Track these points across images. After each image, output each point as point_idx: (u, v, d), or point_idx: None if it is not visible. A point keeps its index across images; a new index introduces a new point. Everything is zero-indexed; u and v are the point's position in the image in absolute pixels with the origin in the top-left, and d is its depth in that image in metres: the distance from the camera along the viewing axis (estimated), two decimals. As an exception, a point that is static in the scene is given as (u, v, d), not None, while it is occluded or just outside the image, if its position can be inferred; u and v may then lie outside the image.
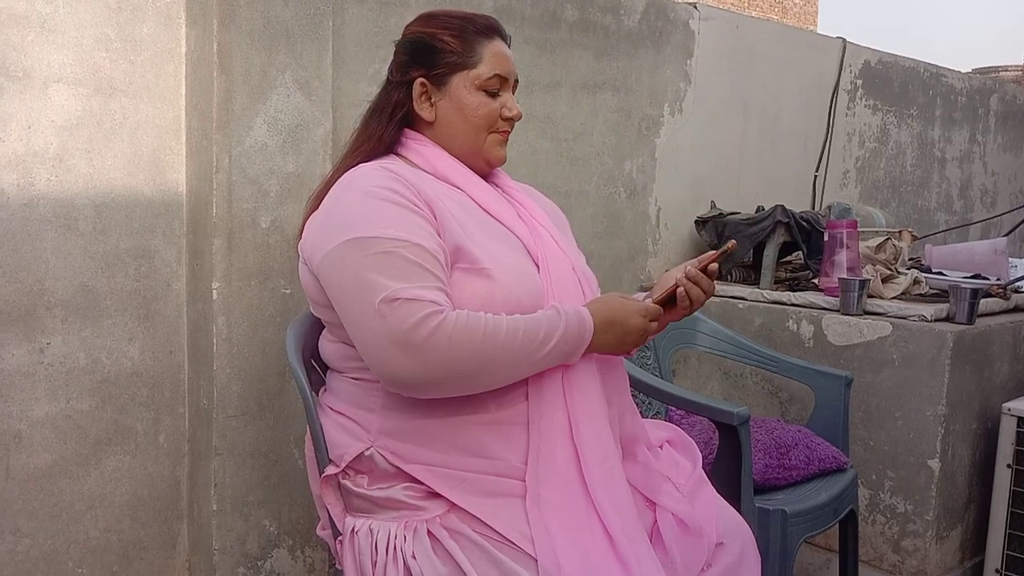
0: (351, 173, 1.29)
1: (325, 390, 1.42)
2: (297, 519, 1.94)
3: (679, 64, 2.77)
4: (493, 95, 1.34)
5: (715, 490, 1.46)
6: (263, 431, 1.87)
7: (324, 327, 1.39)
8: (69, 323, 1.77)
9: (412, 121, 1.37)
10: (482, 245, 1.25)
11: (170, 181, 1.87)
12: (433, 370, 1.15)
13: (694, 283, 1.33)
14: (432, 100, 1.35)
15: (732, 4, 17.80)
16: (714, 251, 1.36)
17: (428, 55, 1.34)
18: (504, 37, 1.37)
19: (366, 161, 1.33)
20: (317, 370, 1.50)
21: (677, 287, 1.33)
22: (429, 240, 1.20)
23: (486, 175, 1.42)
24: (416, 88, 1.34)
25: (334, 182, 1.31)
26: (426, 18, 1.38)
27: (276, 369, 1.87)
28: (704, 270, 1.34)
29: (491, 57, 1.33)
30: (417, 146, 1.36)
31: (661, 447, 1.47)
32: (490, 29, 1.35)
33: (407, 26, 1.40)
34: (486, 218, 1.33)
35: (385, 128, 1.35)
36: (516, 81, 1.39)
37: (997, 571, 2.20)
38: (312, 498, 1.41)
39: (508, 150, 2.33)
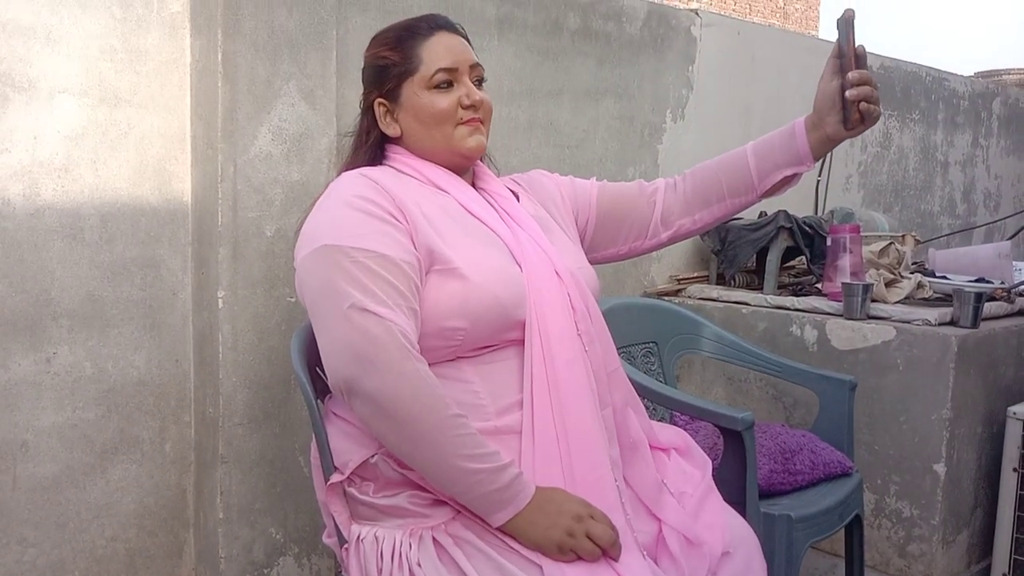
0: (333, 183, 1.33)
1: (330, 397, 1.42)
2: (303, 527, 1.94)
3: (681, 70, 2.78)
4: (447, 89, 1.34)
5: (722, 498, 1.45)
6: (269, 439, 1.88)
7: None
8: (75, 333, 1.78)
9: (390, 139, 1.40)
10: (456, 246, 1.25)
11: (175, 190, 1.88)
12: (377, 387, 1.14)
13: (862, 84, 1.31)
14: (394, 115, 1.37)
15: (734, 10, 17.84)
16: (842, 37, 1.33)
17: (378, 75, 1.37)
18: (449, 28, 1.37)
19: None
20: (322, 378, 1.50)
21: (856, 103, 1.32)
22: (400, 251, 1.21)
23: (474, 179, 1.42)
24: (377, 110, 1.37)
25: None
26: (372, 41, 1.41)
27: (282, 377, 1.87)
28: (856, 60, 1.32)
29: (431, 54, 1.33)
30: (402, 158, 1.38)
31: (668, 453, 1.47)
32: (430, 28, 1.35)
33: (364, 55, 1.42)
34: (470, 220, 1.33)
35: (362, 153, 1.38)
36: (475, 66, 1.37)
37: (1004, 575, 2.20)
38: (318, 506, 1.42)
39: (511, 157, 2.35)
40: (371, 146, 1.39)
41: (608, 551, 1.16)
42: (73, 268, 1.77)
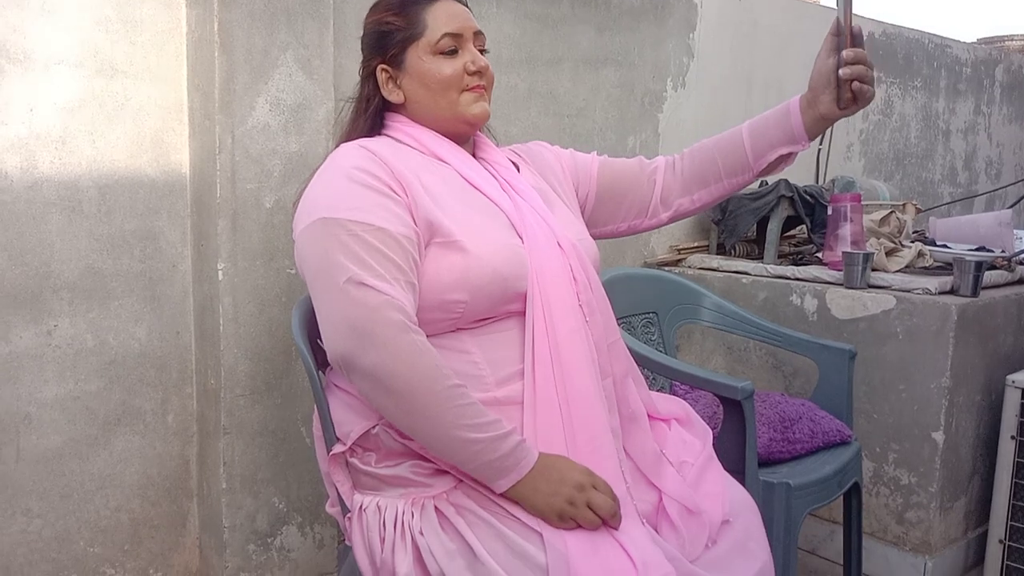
0: (331, 154, 1.32)
1: (331, 368, 1.42)
2: (306, 496, 1.96)
3: (682, 38, 2.76)
4: (451, 55, 1.33)
5: (722, 466, 1.46)
6: (271, 410, 1.88)
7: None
8: (76, 305, 1.78)
9: (391, 107, 1.39)
10: (457, 218, 1.25)
11: (173, 162, 1.87)
12: (375, 361, 1.15)
13: (856, 63, 1.31)
14: (397, 82, 1.36)
15: (735, -24, 17.60)
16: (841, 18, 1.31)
17: (380, 41, 1.35)
18: None
19: None
20: (323, 349, 1.50)
21: (849, 82, 1.31)
22: (398, 224, 1.20)
23: (474, 148, 1.42)
24: (380, 76, 1.36)
25: None
26: (372, 7, 1.39)
27: (283, 348, 1.88)
28: (852, 38, 1.30)
29: (435, 20, 1.32)
30: (402, 126, 1.37)
31: (669, 423, 1.47)
32: None
33: (363, 23, 1.41)
34: (470, 190, 1.32)
35: (363, 121, 1.37)
36: (479, 34, 1.36)
37: (1001, 541, 2.22)
38: (320, 475, 1.43)
39: (511, 127, 2.34)
40: (372, 113, 1.37)
41: (608, 521, 1.17)
42: (72, 241, 1.77)
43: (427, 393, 1.15)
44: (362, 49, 1.40)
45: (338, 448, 1.32)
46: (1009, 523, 2.21)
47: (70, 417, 1.80)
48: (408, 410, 1.17)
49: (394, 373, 1.15)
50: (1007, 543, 2.21)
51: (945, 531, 2.19)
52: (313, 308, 1.48)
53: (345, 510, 1.34)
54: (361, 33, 1.41)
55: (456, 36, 1.33)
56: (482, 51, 1.37)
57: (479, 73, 1.34)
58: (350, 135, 1.37)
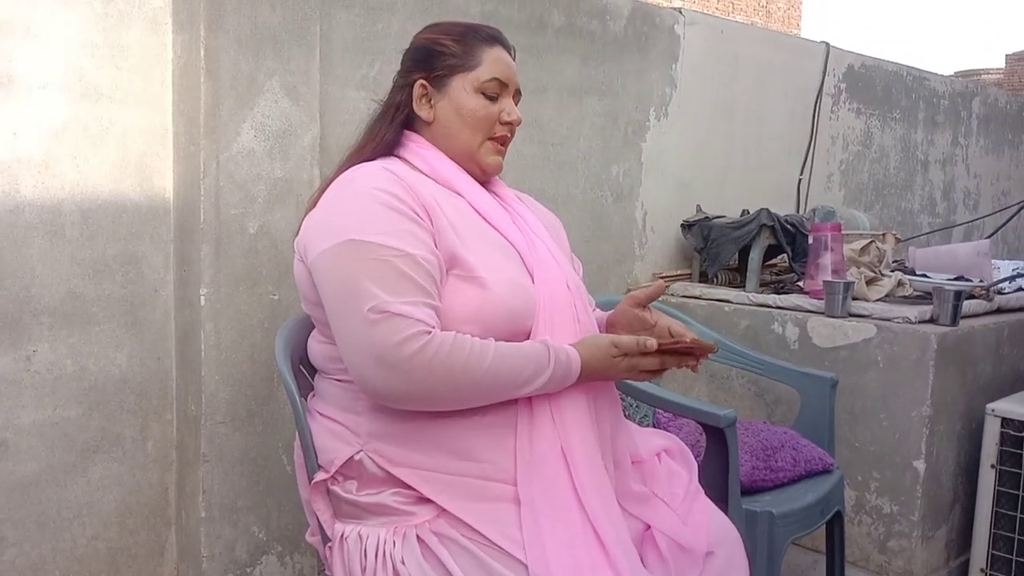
0: (353, 171, 1.31)
1: (313, 395, 1.42)
2: (286, 525, 1.94)
3: (664, 69, 2.79)
4: (492, 99, 1.37)
5: (707, 497, 1.46)
6: (251, 437, 1.87)
7: (312, 331, 1.40)
8: (56, 330, 1.76)
9: (413, 124, 1.40)
10: (477, 253, 1.26)
11: (157, 187, 1.87)
12: (408, 389, 1.17)
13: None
14: (432, 101, 1.37)
15: (716, 8, 17.90)
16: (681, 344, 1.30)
17: (429, 58, 1.37)
18: (507, 47, 1.40)
19: (368, 161, 1.34)
20: (305, 375, 1.50)
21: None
22: (423, 250, 1.21)
23: (484, 183, 1.43)
24: (416, 90, 1.37)
25: (334, 181, 1.32)
26: (431, 27, 1.42)
27: (264, 375, 1.86)
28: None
29: (491, 62, 1.36)
30: (417, 148, 1.38)
31: (659, 456, 1.47)
32: (492, 38, 1.39)
33: (414, 36, 1.43)
34: (484, 225, 1.34)
35: (386, 130, 1.38)
36: (519, 92, 1.41)
37: (982, 570, 2.22)
38: (301, 504, 1.41)
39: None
40: (397, 122, 1.39)
41: (658, 372, 1.29)
42: (54, 265, 1.75)
43: (472, 386, 1.18)
44: (403, 60, 1.42)
45: (320, 475, 1.31)
46: (990, 552, 2.21)
47: (48, 443, 1.78)
48: (462, 405, 1.21)
49: (433, 392, 1.18)
50: (988, 572, 2.21)
51: (927, 560, 2.19)
52: (297, 334, 1.48)
53: (326, 539, 1.33)
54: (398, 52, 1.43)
55: (503, 85, 1.38)
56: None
57: (510, 125, 1.39)
58: (371, 140, 1.38)
